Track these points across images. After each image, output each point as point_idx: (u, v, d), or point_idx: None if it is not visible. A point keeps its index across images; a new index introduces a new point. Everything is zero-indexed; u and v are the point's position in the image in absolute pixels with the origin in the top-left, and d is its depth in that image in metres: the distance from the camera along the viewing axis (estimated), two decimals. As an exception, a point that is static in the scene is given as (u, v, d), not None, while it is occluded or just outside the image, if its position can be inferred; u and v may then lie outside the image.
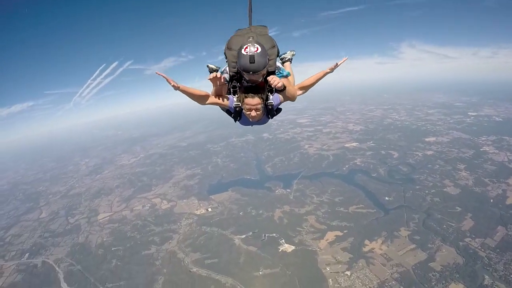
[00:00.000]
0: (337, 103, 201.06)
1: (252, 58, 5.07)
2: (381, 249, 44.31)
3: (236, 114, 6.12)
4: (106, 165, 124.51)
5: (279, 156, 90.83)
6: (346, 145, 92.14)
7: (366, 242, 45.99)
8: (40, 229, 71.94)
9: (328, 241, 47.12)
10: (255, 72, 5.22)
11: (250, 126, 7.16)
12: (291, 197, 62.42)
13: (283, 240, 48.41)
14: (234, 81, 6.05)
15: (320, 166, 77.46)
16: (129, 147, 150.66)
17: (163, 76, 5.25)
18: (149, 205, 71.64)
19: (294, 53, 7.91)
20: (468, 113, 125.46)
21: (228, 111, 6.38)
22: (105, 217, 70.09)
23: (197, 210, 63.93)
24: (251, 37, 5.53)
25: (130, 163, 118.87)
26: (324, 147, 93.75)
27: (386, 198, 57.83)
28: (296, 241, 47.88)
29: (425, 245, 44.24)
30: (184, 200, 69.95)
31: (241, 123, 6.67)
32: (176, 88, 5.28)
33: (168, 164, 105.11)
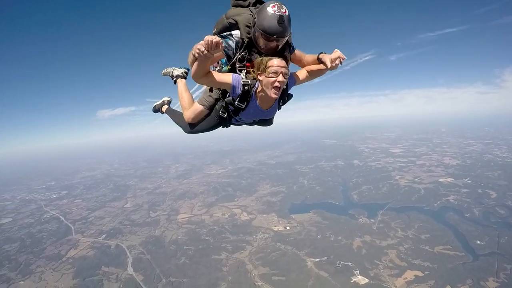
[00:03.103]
0: (433, 135, 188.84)
1: (281, 19, 4.16)
2: (462, 299, 39.98)
3: (243, 97, 4.75)
4: (194, 172, 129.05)
5: (367, 184, 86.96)
6: (440, 180, 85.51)
7: (448, 288, 41.91)
8: (122, 216, 77.60)
9: (406, 280, 42.90)
10: (281, 36, 4.32)
11: (250, 123, 5.70)
12: (374, 228, 58.98)
13: (358, 271, 45.16)
14: (244, 51, 4.78)
15: (410, 199, 72.84)
16: (218, 159, 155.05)
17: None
18: (229, 214, 72.54)
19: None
20: None
21: (229, 98, 4.93)
22: (184, 218, 72.44)
23: (275, 226, 63.26)
24: (275, 1, 4.31)
25: (218, 173, 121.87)
26: (416, 179, 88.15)
27: (478, 242, 51.50)
28: (372, 275, 44.35)
29: (513, 303, 39.03)
30: (264, 215, 69.65)
31: (243, 118, 5.27)
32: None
33: (254, 178, 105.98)
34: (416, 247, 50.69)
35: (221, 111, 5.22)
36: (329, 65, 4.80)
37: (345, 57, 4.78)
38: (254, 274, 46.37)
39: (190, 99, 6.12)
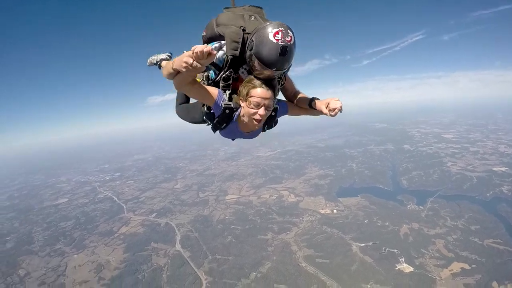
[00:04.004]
0: (488, 120, 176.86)
1: (284, 50, 3.47)
2: (509, 297, 38.28)
3: (224, 118, 4.25)
4: (243, 154, 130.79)
5: (418, 170, 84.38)
6: (494, 169, 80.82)
7: (494, 284, 38.86)
8: (171, 196, 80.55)
9: (452, 272, 41.43)
10: (280, 69, 3.70)
11: (231, 139, 5.38)
12: (423, 215, 57.29)
13: (403, 259, 44.32)
14: (229, 69, 4.13)
15: (461, 187, 69.86)
16: (267, 141, 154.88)
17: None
18: (276, 195, 73.13)
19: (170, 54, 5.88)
20: None
21: (208, 113, 4.51)
22: (232, 198, 73.94)
23: (322, 209, 63.08)
24: (279, 24, 3.61)
25: (266, 156, 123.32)
26: (469, 167, 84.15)
27: (530, 237, 49.48)
28: (417, 263, 43.29)
29: None
30: (312, 198, 69.64)
31: (222, 134, 4.90)
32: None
33: (302, 161, 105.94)
34: (465, 238, 48.83)
35: (205, 116, 4.71)
36: (328, 114, 4.24)
37: (342, 108, 4.17)
38: (299, 255, 46.69)
39: None
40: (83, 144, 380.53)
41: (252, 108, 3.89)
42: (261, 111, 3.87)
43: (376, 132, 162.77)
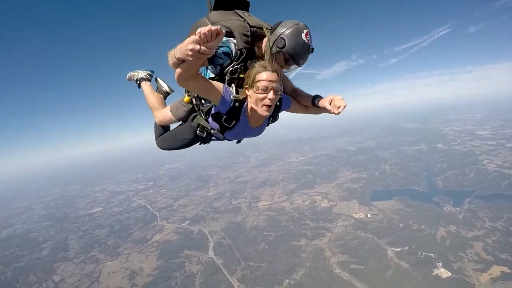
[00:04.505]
0: None
1: (311, 50, 3.87)
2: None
3: (233, 113, 3.95)
4: (274, 160, 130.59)
5: (453, 169, 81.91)
6: None
7: (536, 288, 37.65)
8: (204, 204, 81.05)
9: (491, 276, 39.46)
10: (302, 65, 3.97)
11: (238, 141, 4.93)
12: (460, 217, 55.35)
13: (440, 264, 42.69)
14: (240, 63, 3.98)
15: (499, 186, 67.01)
16: (298, 147, 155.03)
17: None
18: (309, 201, 72.56)
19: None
20: None
21: (215, 113, 4.06)
22: (265, 205, 73.81)
23: (356, 213, 62.21)
24: (304, 24, 3.86)
25: (298, 161, 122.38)
26: (506, 164, 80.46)
27: None
28: (455, 268, 41.59)
29: None
30: (345, 202, 68.73)
31: (230, 135, 4.46)
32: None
33: (334, 165, 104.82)
34: (505, 240, 46.62)
35: (199, 130, 4.51)
36: (335, 112, 3.96)
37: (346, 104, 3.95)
38: (333, 262, 45.98)
39: (160, 100, 5.53)
40: (117, 155, 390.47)
41: (261, 93, 3.64)
42: (271, 95, 3.63)
43: (408, 132, 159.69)
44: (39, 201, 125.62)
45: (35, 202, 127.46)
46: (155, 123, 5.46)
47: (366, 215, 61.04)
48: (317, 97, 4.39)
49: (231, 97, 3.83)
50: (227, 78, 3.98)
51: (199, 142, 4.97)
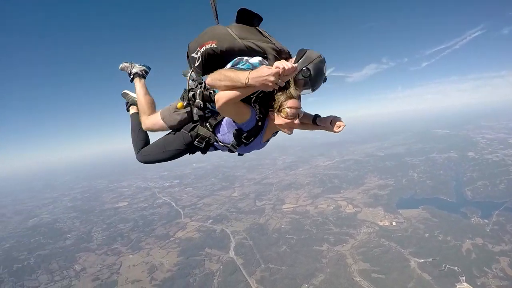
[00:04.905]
0: None
1: (326, 79, 4.10)
2: None
3: (255, 130, 4.06)
4: (301, 164, 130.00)
5: (483, 179, 79.18)
6: None
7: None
8: (228, 204, 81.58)
9: None
10: (314, 91, 4.11)
11: (241, 154, 4.78)
12: (488, 230, 53.44)
13: (464, 278, 41.28)
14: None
15: None
16: (325, 151, 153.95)
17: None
18: (334, 206, 71.96)
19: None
20: None
21: (238, 130, 4.05)
22: (289, 208, 73.57)
23: (380, 221, 61.25)
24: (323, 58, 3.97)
25: (325, 165, 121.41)
26: None
27: None
28: (478, 283, 40.16)
29: None
30: (370, 209, 67.89)
31: (241, 149, 4.47)
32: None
33: (361, 171, 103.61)
34: None
35: (197, 141, 4.51)
36: (335, 131, 4.35)
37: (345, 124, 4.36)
38: (353, 269, 45.40)
39: (151, 104, 5.25)
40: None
41: (289, 119, 3.78)
42: (297, 120, 3.83)
43: (438, 139, 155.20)
44: (67, 193, 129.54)
45: (62, 194, 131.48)
46: (134, 132, 5.38)
47: (391, 223, 60.05)
48: (318, 116, 4.61)
49: (256, 117, 3.95)
50: (253, 97, 3.96)
51: (188, 153, 4.96)
